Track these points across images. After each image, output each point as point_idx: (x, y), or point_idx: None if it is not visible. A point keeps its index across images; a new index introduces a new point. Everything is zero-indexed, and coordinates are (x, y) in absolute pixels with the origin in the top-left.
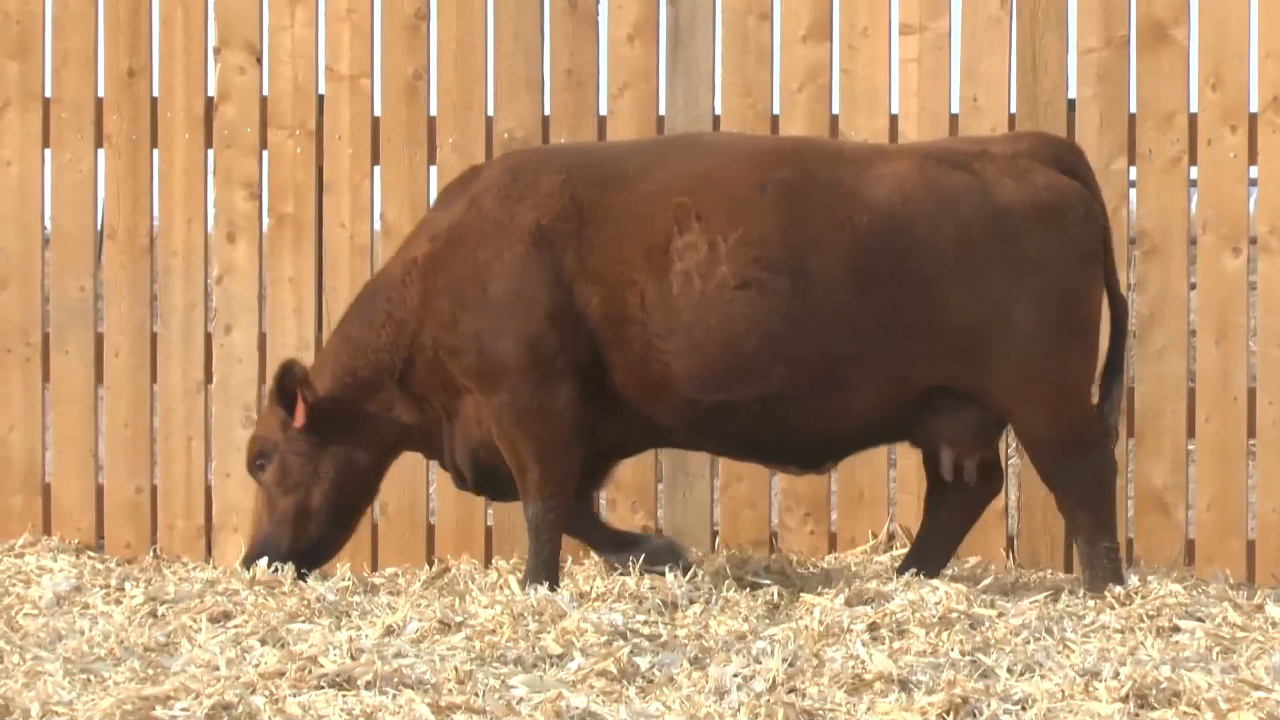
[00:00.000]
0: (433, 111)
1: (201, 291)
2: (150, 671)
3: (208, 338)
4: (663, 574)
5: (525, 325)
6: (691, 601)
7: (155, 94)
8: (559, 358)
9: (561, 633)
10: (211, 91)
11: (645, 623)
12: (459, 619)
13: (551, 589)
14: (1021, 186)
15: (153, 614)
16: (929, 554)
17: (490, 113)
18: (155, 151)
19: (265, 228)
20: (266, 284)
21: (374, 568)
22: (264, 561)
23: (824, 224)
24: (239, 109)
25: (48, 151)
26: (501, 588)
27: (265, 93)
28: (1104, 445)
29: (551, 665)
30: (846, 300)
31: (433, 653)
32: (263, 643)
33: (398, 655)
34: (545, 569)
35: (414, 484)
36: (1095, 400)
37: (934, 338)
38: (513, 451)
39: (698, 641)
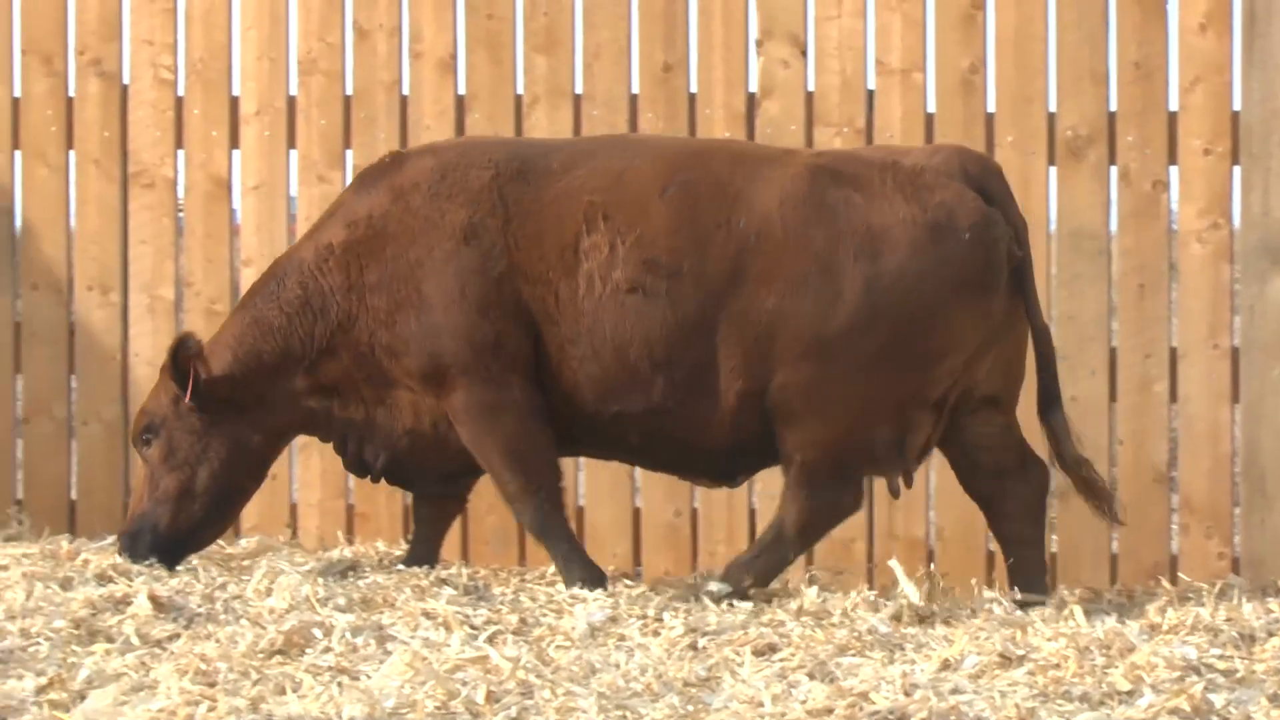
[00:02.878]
0: (990, 107)
1: None
2: (690, 708)
3: None
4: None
5: (461, 322)
6: (1270, 634)
7: (693, 90)
8: (501, 351)
9: (1130, 668)
10: (753, 87)
11: (1221, 657)
12: (1020, 653)
13: (590, 578)
14: (908, 205)
15: (693, 646)
16: None
17: (1052, 108)
18: None
19: None
20: None
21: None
22: (138, 543)
23: (706, 226)
24: (783, 105)
25: None
26: (1066, 619)
27: (811, 88)
28: (858, 485)
29: (1120, 702)
30: (714, 305)
31: (992, 689)
32: (810, 677)
33: (955, 691)
34: (574, 563)
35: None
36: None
37: (776, 348)
38: (484, 453)
39: (1277, 678)
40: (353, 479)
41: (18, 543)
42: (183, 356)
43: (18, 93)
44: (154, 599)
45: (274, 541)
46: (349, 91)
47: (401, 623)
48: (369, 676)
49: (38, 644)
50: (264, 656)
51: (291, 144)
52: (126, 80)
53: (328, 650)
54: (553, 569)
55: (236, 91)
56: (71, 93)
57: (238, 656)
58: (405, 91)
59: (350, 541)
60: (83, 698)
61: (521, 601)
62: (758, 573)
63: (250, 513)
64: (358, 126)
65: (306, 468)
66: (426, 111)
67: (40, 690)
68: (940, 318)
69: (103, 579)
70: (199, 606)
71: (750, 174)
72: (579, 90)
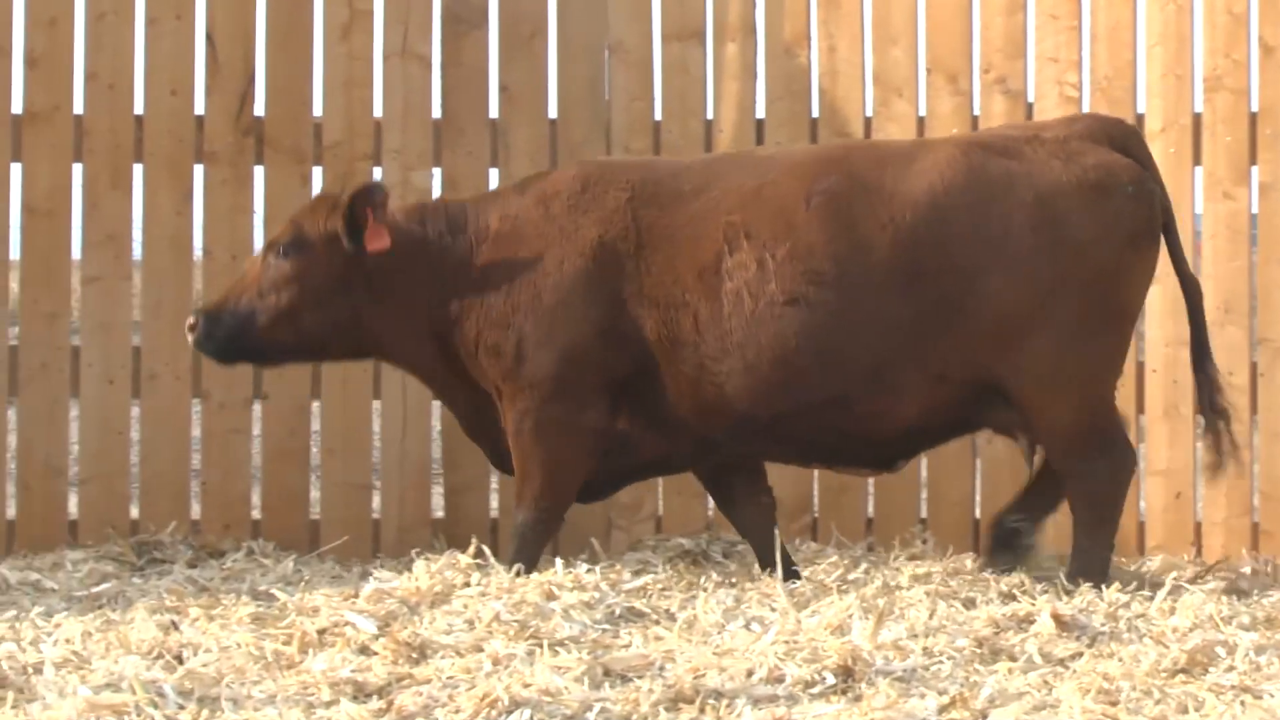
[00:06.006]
0: None
1: None
2: None
3: None
4: None
5: (572, 340)
6: None
7: None
8: (597, 376)
9: None
10: None
11: None
12: None
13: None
14: (1069, 168)
15: None
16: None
17: None
18: None
19: None
20: None
21: None
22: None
23: (867, 229)
24: None
25: None
26: None
27: None
28: (1124, 440)
29: None
30: (891, 302)
31: None
32: None
33: None
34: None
35: None
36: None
37: (970, 331)
38: (522, 456)
39: None
40: (1258, 496)
41: (921, 561)
42: (367, 202)
43: (923, 111)
44: (1057, 617)
45: (1178, 560)
46: (1254, 108)
47: None
48: (1272, 696)
49: (940, 663)
50: (1166, 675)
51: (1196, 160)
52: (1031, 98)
53: (1230, 669)
54: None
55: (1141, 109)
56: (976, 111)
57: (1140, 675)
58: None
59: (1254, 558)
60: (985, 716)
61: None
62: (1090, 574)
63: (1154, 531)
64: (1263, 143)
65: (1213, 485)
66: None
67: (942, 709)
68: (1123, 273)
69: (1007, 597)
70: (1102, 625)
71: (899, 170)
72: None
